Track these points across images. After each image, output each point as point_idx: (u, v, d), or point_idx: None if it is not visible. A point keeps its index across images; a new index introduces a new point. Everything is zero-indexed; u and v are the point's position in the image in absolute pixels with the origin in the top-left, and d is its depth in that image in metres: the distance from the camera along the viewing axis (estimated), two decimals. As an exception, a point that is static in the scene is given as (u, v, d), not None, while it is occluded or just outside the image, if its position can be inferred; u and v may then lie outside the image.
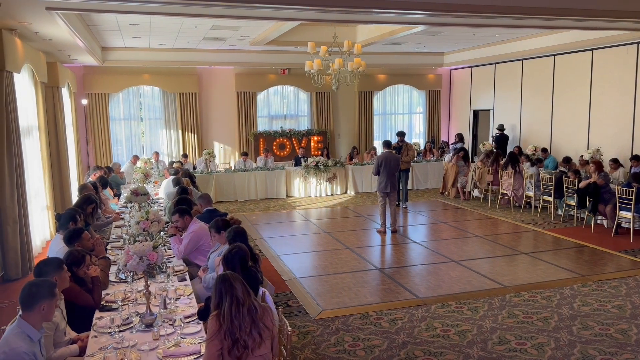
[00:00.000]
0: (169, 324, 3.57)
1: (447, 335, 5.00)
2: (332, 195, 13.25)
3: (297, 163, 13.65)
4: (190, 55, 13.72)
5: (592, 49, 11.69)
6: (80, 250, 4.21)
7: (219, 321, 2.97)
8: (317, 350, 4.74)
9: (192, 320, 3.70)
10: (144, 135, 14.78)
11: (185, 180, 8.60)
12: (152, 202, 8.02)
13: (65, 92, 11.10)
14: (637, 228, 8.35)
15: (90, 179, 9.22)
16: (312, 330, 5.17)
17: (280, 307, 4.03)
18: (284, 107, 16.02)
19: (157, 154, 13.19)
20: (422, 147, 15.68)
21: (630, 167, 9.91)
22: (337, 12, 7.21)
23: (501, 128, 14.06)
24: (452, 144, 14.46)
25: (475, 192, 12.37)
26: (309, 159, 13.29)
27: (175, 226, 5.58)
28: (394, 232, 9.21)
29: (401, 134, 11.62)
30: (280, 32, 10.77)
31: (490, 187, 11.78)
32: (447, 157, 13.11)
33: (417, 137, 17.32)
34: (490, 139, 14.43)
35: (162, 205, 8.46)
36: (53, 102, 9.88)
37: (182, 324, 3.55)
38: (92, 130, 13.83)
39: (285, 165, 13.66)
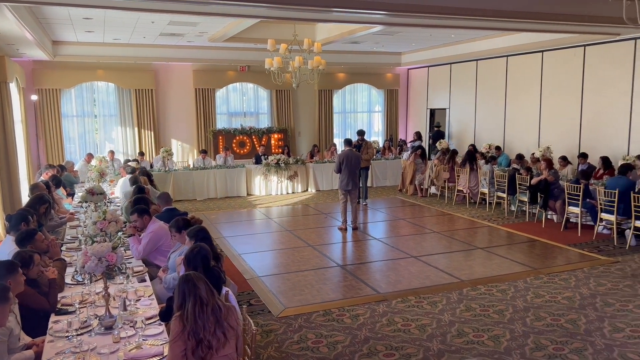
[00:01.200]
0: (130, 326, 3.50)
1: (407, 329, 5.11)
2: (293, 193, 13.26)
3: (258, 161, 13.58)
4: (146, 50, 13.39)
5: (543, 51, 12.17)
6: (27, 250, 4.05)
7: (183, 322, 2.93)
8: (280, 349, 4.75)
9: (154, 322, 3.64)
10: (98, 132, 14.34)
11: (142, 178, 8.42)
12: (108, 202, 7.81)
13: (13, 88, 10.63)
14: (585, 223, 8.75)
15: (42, 178, 8.88)
16: (275, 329, 5.18)
17: (244, 306, 4.02)
18: (243, 104, 15.89)
19: (112, 152, 12.83)
20: (381, 145, 15.90)
21: (578, 165, 10.38)
22: (296, 10, 7.21)
23: (438, 125, 14.71)
24: (410, 142, 14.72)
25: (433, 189, 12.65)
26: (269, 157, 13.25)
27: (134, 226, 5.46)
28: (354, 229, 9.31)
29: (361, 133, 11.76)
30: (239, 29, 10.68)
31: (446, 184, 12.08)
32: (405, 155, 13.35)
33: (376, 135, 17.55)
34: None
35: (118, 204, 8.25)
36: (0, 98, 9.44)
37: (144, 326, 3.48)
38: (42, 127, 13.30)
39: (245, 163, 13.57)
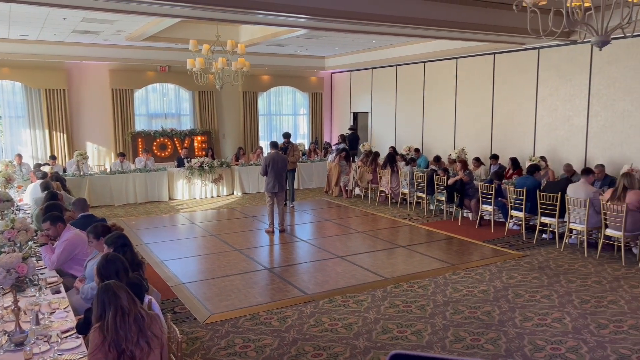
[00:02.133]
0: (44, 341, 3.28)
1: (334, 328, 5.19)
2: (218, 196, 13.03)
3: (180, 164, 13.21)
4: (57, 48, 12.62)
5: (457, 58, 12.85)
6: None
7: (102, 333, 2.81)
8: (207, 355, 4.66)
9: (71, 335, 3.43)
10: (3, 135, 13.31)
11: (55, 184, 7.91)
12: (16, 209, 7.27)
13: None
14: (497, 220, 9.34)
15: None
16: (201, 336, 5.07)
17: (168, 314, 3.90)
18: (164, 105, 15.40)
19: (19, 155, 11.93)
20: (306, 148, 16.03)
21: (490, 165, 11.06)
22: (219, 11, 7.12)
23: (352, 128, 15.14)
24: (334, 145, 14.98)
25: (357, 190, 12.95)
26: (192, 160, 12.93)
27: (46, 234, 5.12)
28: (281, 231, 9.32)
29: (287, 135, 11.80)
30: (159, 28, 10.35)
31: (370, 185, 12.41)
32: (331, 157, 13.56)
33: (302, 137, 17.68)
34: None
35: (28, 212, 7.70)
36: None
37: (59, 340, 3.28)
38: (-63, 129, 12.13)
39: (167, 167, 13.14)
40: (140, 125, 14.81)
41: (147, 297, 3.64)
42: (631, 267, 6.98)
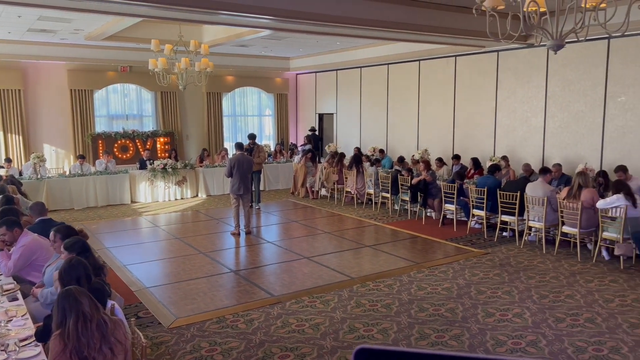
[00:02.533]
0: (1, 350, 3.17)
1: (302, 329, 5.20)
2: (182, 199, 12.83)
3: (143, 166, 12.94)
4: (12, 47, 12.18)
5: (419, 60, 13.07)
6: None
7: (63, 340, 2.73)
8: (172, 360, 4.59)
9: (29, 343, 3.32)
10: (-46, 137, 12.74)
11: (10, 187, 7.65)
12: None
13: None
14: (459, 218, 9.55)
15: None
16: (167, 340, 4.99)
17: (132, 319, 3.83)
18: (125, 106, 15.07)
19: (-29, 158, 11.46)
20: (272, 149, 15.98)
21: (452, 166, 11.30)
22: (182, 11, 7.03)
23: (313, 129, 15.31)
24: (300, 146, 14.99)
25: (323, 191, 13.00)
26: (155, 162, 12.69)
27: (2, 240, 4.94)
28: (247, 233, 9.26)
29: (252, 136, 11.74)
30: (120, 27, 10.13)
31: (336, 186, 12.48)
32: (297, 158, 13.57)
33: (267, 139, 17.61)
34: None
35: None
36: None
37: (17, 348, 3.17)
38: None
39: (129, 169, 12.85)
40: (100, 126, 14.45)
41: (109, 302, 3.57)
42: (586, 262, 7.26)
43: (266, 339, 4.99)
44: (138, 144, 14.66)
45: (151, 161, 12.82)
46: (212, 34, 11.44)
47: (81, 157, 12.57)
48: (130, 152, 14.57)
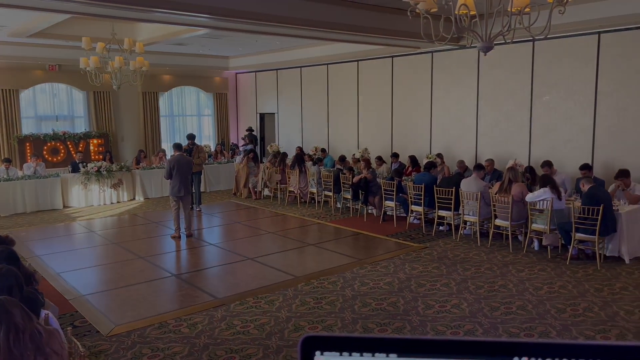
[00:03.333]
0: None
1: (247, 330, 5.17)
2: (118, 202, 12.37)
3: (75, 169, 12.36)
4: None
5: (358, 60, 13.30)
6: None
7: (-7, 354, 2.58)
8: (112, 369, 4.44)
9: (-46, 361, 3.11)
10: None
11: None
12: None
13: None
14: (399, 215, 9.81)
15: None
16: (106, 349, 4.81)
17: (68, 328, 3.67)
18: (55, 107, 14.34)
19: None
20: (212, 149, 15.73)
21: (391, 163, 11.59)
22: (113, 8, 6.79)
23: (250, 129, 15.36)
24: (242, 146, 14.85)
25: (266, 191, 12.95)
26: (89, 164, 12.16)
27: None
28: (189, 236, 9.07)
29: (191, 137, 11.51)
30: (48, 24, 9.62)
31: (278, 185, 12.47)
32: (238, 158, 13.43)
33: (207, 139, 17.30)
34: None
35: None
36: None
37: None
38: None
39: (60, 172, 12.24)
40: (27, 128, 13.67)
41: (43, 312, 3.40)
42: (518, 253, 7.67)
43: (210, 342, 4.93)
44: (70, 146, 13.99)
45: (84, 164, 12.27)
46: (147, 32, 11.11)
47: (7, 161, 11.84)
48: (62, 154, 13.88)
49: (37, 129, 13.86)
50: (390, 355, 0.53)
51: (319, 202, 11.62)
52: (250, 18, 7.34)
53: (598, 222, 6.72)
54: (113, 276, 7.06)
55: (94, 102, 14.51)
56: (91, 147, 14.34)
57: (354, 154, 12.45)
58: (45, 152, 13.55)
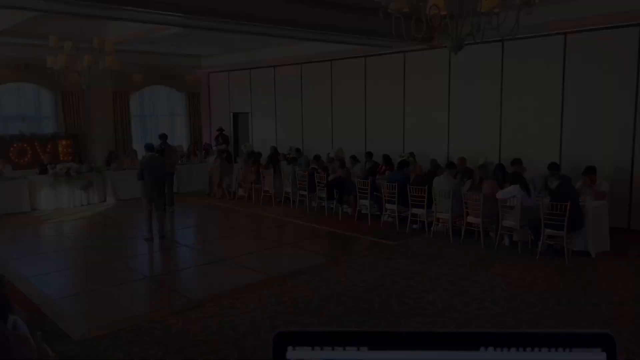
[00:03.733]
0: None
1: (222, 332, 5.13)
2: (88, 204, 12.11)
3: (43, 171, 12.04)
4: None
5: (331, 60, 13.33)
6: None
7: (-42, 362, 2.51)
8: (84, 374, 4.35)
9: None
10: None
11: None
12: None
13: None
14: (373, 213, 9.88)
15: None
16: (77, 354, 4.71)
17: (38, 333, 3.58)
18: (21, 107, 13.94)
19: None
20: (185, 150, 15.55)
21: (366, 162, 11.65)
22: (82, 6, 6.65)
23: (221, 129, 15.36)
24: (215, 146, 14.72)
25: (240, 192, 12.86)
26: (57, 166, 11.86)
27: None
28: (162, 237, 8.93)
29: (163, 137, 11.36)
30: (13, 22, 9.35)
31: (253, 185, 12.40)
32: (212, 158, 13.31)
33: (180, 139, 17.08)
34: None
35: None
36: None
37: None
38: None
39: (27, 174, 11.91)
40: (-8, 129, 13.26)
41: (11, 317, 3.31)
42: (489, 249, 7.81)
43: (185, 343, 4.88)
44: (37, 147, 13.61)
45: (53, 165, 11.97)
46: (118, 30, 10.90)
47: (-29, 163, 11.47)
48: (29, 156, 13.49)
49: (3, 129, 13.45)
50: (361, 348, 0.54)
51: (293, 201, 11.60)
52: (223, 16, 7.29)
53: (566, 218, 6.90)
54: (84, 279, 6.93)
55: (63, 102, 14.15)
56: (60, 149, 13.97)
57: (328, 154, 12.48)
58: (11, 154, 13.16)
